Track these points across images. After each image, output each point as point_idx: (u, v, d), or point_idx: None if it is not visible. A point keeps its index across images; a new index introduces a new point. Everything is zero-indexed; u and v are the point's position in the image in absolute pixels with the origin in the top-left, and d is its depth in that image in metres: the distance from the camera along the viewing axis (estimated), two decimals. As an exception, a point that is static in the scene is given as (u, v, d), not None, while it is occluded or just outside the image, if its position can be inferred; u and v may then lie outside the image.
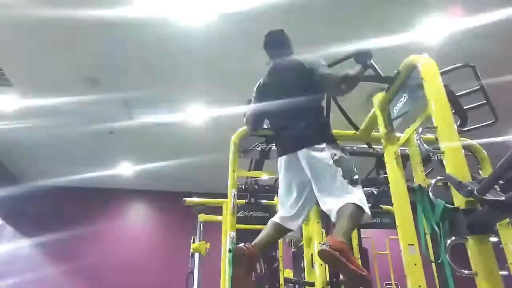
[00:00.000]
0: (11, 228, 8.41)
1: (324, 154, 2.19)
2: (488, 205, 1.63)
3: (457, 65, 2.74)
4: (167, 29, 4.57)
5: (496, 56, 4.71)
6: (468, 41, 4.51)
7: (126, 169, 7.95)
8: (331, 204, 2.13)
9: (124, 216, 8.87)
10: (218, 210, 4.98)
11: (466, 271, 1.77)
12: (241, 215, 4.69)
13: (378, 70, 2.71)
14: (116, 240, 8.48)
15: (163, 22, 4.44)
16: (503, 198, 1.60)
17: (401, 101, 2.75)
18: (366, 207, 2.16)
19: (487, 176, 1.78)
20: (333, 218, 2.12)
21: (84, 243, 8.06)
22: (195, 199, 5.02)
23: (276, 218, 2.39)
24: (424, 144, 2.08)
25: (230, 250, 2.88)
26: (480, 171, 3.52)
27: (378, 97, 3.03)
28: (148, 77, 5.34)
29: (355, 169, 2.24)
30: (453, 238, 1.81)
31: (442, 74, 2.76)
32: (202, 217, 4.99)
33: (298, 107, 2.30)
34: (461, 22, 4.22)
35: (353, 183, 2.18)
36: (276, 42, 2.59)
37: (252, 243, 2.30)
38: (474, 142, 3.57)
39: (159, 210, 8.89)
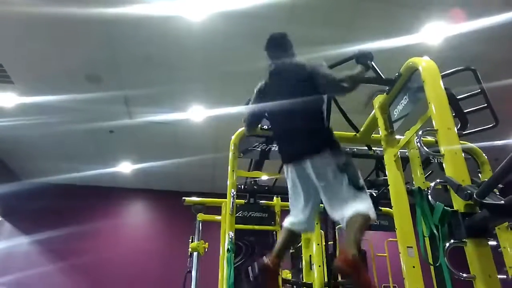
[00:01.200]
0: (9, 225, 8.41)
1: (329, 162, 2.20)
2: (487, 209, 1.63)
3: (458, 68, 2.74)
4: (168, 28, 4.56)
5: (497, 60, 4.71)
6: (469, 44, 4.50)
7: (126, 168, 7.94)
8: (340, 213, 2.18)
9: (124, 214, 8.84)
10: (217, 209, 4.98)
11: (464, 275, 1.77)
12: (240, 215, 4.70)
13: (379, 71, 2.72)
14: (115, 238, 8.46)
15: (165, 20, 4.42)
16: (502, 202, 1.60)
17: (401, 104, 2.75)
18: (372, 211, 2.18)
19: (486, 179, 1.79)
20: (343, 225, 2.18)
21: (82, 241, 8.02)
22: (194, 199, 5.01)
23: (287, 224, 2.42)
24: (424, 147, 2.08)
25: (228, 250, 2.89)
26: (479, 174, 3.53)
27: (378, 99, 3.03)
28: (149, 75, 5.32)
29: (359, 173, 2.25)
30: (452, 241, 1.81)
31: (443, 77, 2.77)
32: (200, 216, 4.98)
33: (300, 112, 2.29)
34: (463, 25, 4.22)
35: (359, 188, 2.20)
36: (277, 45, 2.56)
37: (273, 253, 2.35)
38: (474, 145, 3.57)
39: (159, 209, 8.85)
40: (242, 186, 4.42)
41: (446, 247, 1.81)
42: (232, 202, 2.97)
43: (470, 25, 4.22)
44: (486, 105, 3.00)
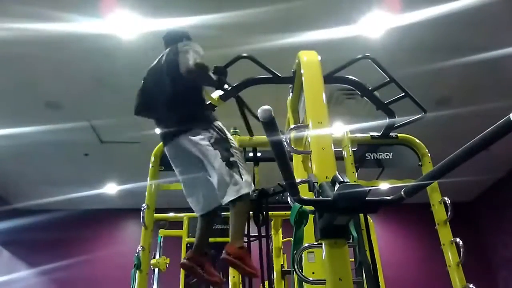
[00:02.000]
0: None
1: (201, 138, 2.20)
2: (317, 206, 1.50)
3: (357, 57, 2.59)
4: (106, 48, 4.49)
5: (437, 48, 4.54)
6: (409, 36, 4.34)
7: (111, 189, 7.98)
8: (221, 197, 2.18)
9: (117, 235, 8.83)
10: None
11: (313, 279, 1.64)
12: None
13: (274, 71, 2.60)
14: (110, 259, 8.36)
15: (97, 39, 4.32)
16: (326, 198, 1.47)
17: (302, 100, 2.64)
18: (248, 188, 2.18)
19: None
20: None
21: (76, 265, 8.05)
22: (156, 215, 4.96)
23: (197, 213, 2.47)
24: (291, 145, 1.96)
25: (135, 265, 2.80)
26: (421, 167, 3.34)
27: (289, 99, 2.92)
28: (108, 96, 5.30)
29: (232, 150, 2.25)
30: (307, 244, 1.68)
31: (343, 67, 2.65)
32: (162, 232, 4.93)
33: (171, 93, 2.30)
34: (402, 17, 4.04)
35: (231, 166, 2.17)
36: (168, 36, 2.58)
37: (192, 249, 2.36)
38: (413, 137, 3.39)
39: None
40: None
41: (298, 250, 1.67)
42: (143, 216, 2.90)
43: (409, 17, 4.05)
44: (403, 94, 2.85)
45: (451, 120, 5.63)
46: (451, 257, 2.78)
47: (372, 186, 3.21)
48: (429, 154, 3.27)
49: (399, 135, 3.33)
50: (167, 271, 4.80)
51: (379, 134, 3.28)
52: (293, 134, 2.40)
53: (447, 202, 2.91)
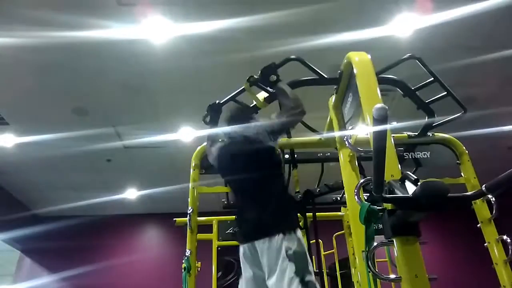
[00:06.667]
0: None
1: (278, 245, 2.05)
2: (393, 204, 1.51)
3: (403, 57, 2.61)
4: (133, 52, 4.52)
5: (466, 49, 4.55)
6: (439, 35, 4.35)
7: (131, 194, 8.01)
8: None
9: (135, 241, 8.85)
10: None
11: (392, 276, 1.65)
12: (231, 231, 4.69)
13: (320, 72, 2.61)
14: (129, 266, 8.39)
15: (128, 44, 4.36)
16: (408, 195, 1.48)
17: (348, 101, 2.65)
18: None
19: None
20: None
21: (96, 272, 8.08)
22: (184, 219, 4.96)
23: None
24: (354, 146, 1.97)
25: (185, 268, 2.82)
26: (459, 165, 3.33)
27: (331, 100, 2.93)
28: (131, 102, 5.38)
29: (310, 268, 2.07)
30: (378, 242, 1.69)
31: (389, 68, 2.65)
32: (192, 236, 4.94)
33: (253, 188, 2.25)
34: (432, 17, 4.05)
35: (304, 284, 1.98)
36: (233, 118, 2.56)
37: None
38: (451, 136, 3.39)
39: (169, 232, 8.80)
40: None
41: (370, 248, 1.68)
42: (189, 220, 2.92)
43: (439, 16, 4.06)
44: (446, 93, 2.86)
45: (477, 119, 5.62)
46: (497, 254, 2.77)
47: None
48: (467, 152, 3.27)
49: (436, 134, 3.34)
50: (199, 274, 4.80)
51: (416, 133, 3.29)
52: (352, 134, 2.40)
53: (491, 199, 2.90)
